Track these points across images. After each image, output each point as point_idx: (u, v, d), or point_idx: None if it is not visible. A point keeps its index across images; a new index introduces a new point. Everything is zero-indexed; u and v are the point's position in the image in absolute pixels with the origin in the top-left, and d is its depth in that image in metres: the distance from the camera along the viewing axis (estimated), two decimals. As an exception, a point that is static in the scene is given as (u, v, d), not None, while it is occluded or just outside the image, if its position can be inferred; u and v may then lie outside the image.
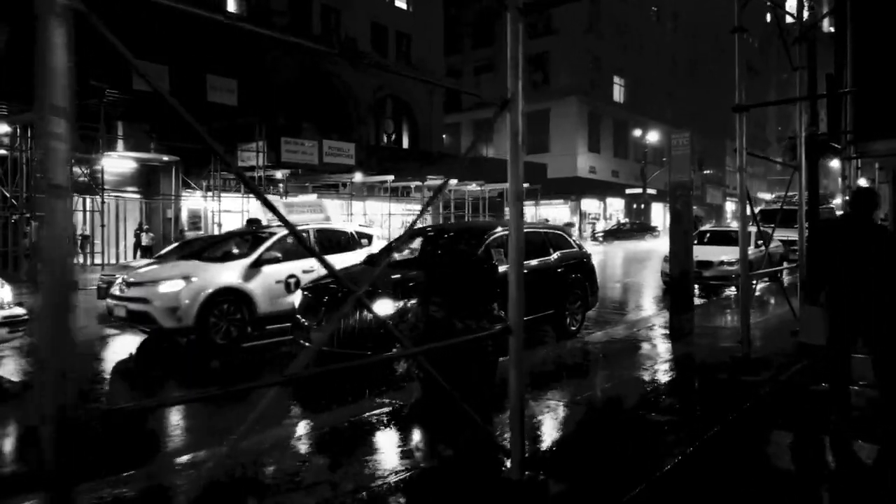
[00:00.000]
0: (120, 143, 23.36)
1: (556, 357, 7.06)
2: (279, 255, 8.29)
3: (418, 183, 30.80)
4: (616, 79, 52.65)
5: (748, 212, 6.83)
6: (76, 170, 18.52)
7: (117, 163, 23.48)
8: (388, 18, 35.80)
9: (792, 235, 17.38)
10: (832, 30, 13.65)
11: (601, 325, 9.76)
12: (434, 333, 4.79)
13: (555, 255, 8.76)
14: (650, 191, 46.99)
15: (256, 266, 8.19)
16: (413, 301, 6.27)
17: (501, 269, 7.73)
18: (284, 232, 8.69)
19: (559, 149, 48.90)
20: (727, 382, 5.83)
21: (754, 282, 14.65)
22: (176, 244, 11.60)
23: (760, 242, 14.99)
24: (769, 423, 4.75)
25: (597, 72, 50.08)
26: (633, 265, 23.21)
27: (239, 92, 22.00)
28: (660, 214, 55.19)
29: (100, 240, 21.35)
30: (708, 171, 67.99)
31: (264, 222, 10.14)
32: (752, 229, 15.74)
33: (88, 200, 20.93)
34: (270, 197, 21.14)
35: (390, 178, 27.69)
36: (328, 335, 6.47)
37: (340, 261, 8.77)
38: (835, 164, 23.48)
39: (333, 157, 25.07)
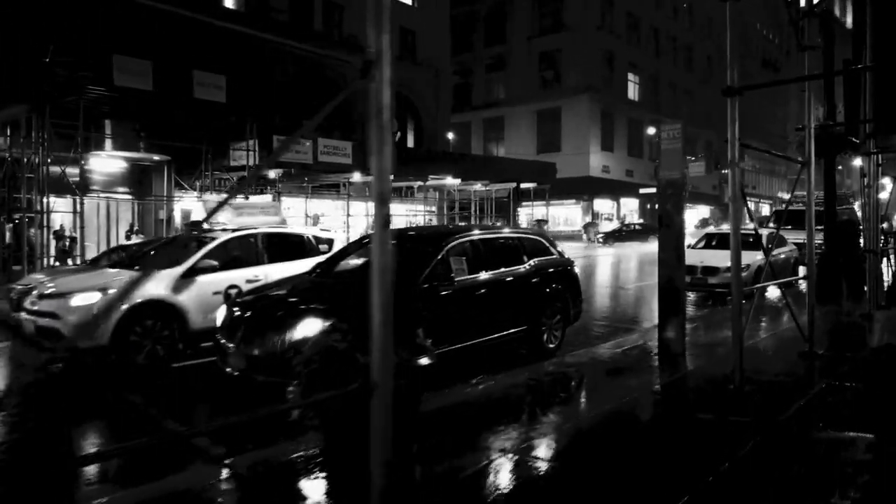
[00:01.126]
0: (108, 143, 22.73)
1: (512, 388, 6.05)
2: (216, 263, 7.38)
3: (420, 183, 29.87)
4: (630, 76, 51.29)
5: (745, 212, 5.77)
6: (55, 169, 17.82)
7: (107, 162, 22.81)
8: (393, 14, 34.59)
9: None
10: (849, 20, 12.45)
11: (586, 341, 8.73)
12: (328, 371, 3.83)
13: (529, 264, 7.75)
14: (664, 190, 45.48)
15: (190, 276, 7.29)
16: (325, 324, 5.31)
17: (459, 279, 6.77)
18: (226, 237, 7.78)
19: (571, 148, 47.70)
20: (709, 426, 4.79)
21: (767, 289, 13.51)
22: (113, 248, 10.72)
23: (771, 246, 13.84)
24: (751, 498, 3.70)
25: (610, 69, 48.79)
26: (633, 270, 22.07)
27: (228, 88, 21.18)
28: (675, 215, 53.74)
29: (92, 242, 20.65)
30: (727, 171, 66.29)
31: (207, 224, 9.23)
32: (764, 231, 14.56)
33: (73, 201, 20.27)
34: (259, 198, 20.36)
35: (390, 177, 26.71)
36: (244, 359, 5.55)
37: (292, 269, 7.85)
38: (857, 161, 22.14)
39: (329, 156, 24.22)
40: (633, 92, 51.60)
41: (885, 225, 20.64)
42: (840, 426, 4.50)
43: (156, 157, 23.05)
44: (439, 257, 6.59)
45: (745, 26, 59.24)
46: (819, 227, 13.95)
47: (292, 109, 29.85)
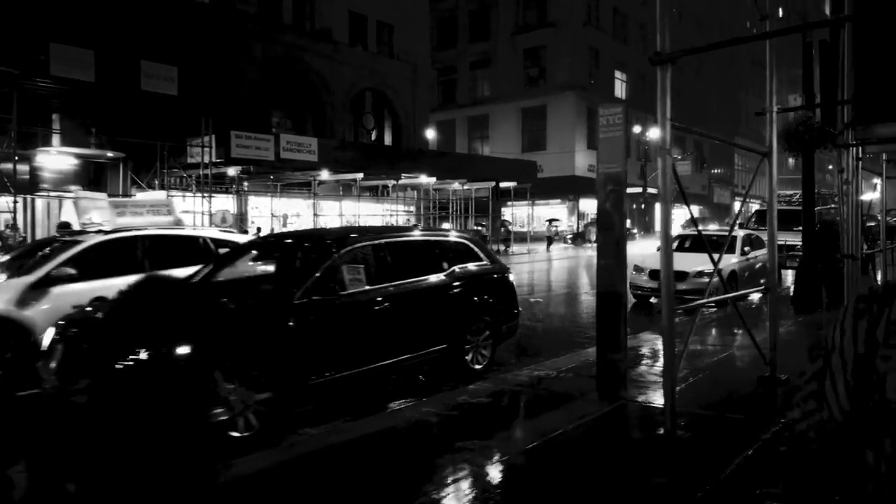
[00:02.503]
0: (56, 138, 21.52)
1: (397, 427, 4.94)
2: (73, 271, 6.25)
3: (393, 182, 28.73)
4: (617, 73, 50.31)
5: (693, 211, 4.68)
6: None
7: (56, 159, 21.61)
8: (368, 7, 33.75)
9: (792, 240, 15.13)
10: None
11: (521, 360, 7.64)
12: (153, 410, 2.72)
13: (449, 272, 6.64)
14: (651, 190, 44.58)
15: (42, 286, 6.16)
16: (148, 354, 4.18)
17: (353, 292, 5.65)
18: (92, 241, 6.64)
19: (557, 146, 46.70)
20: (630, 489, 3.68)
21: (748, 296, 12.41)
22: None
23: (748, 249, 12.78)
24: None
25: (596, 66, 47.78)
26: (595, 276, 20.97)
27: (181, 81, 20.02)
28: (663, 215, 52.78)
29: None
30: (717, 171, 65.40)
31: (76, 226, 8.09)
32: (740, 233, 13.49)
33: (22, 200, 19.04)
34: (149, 195, 19.14)
35: (359, 175, 25.63)
36: (58, 391, 4.43)
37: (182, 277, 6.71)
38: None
39: (293, 152, 23.03)
40: (620, 90, 50.61)
41: (872, 224, 19.66)
42: (791, 495, 3.41)
43: (110, 154, 21.87)
44: (327, 265, 5.47)
45: (725, 20, 58.37)
46: (799, 229, 12.96)
47: (264, 105, 28.71)
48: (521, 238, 45.61)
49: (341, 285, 5.52)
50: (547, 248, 35.74)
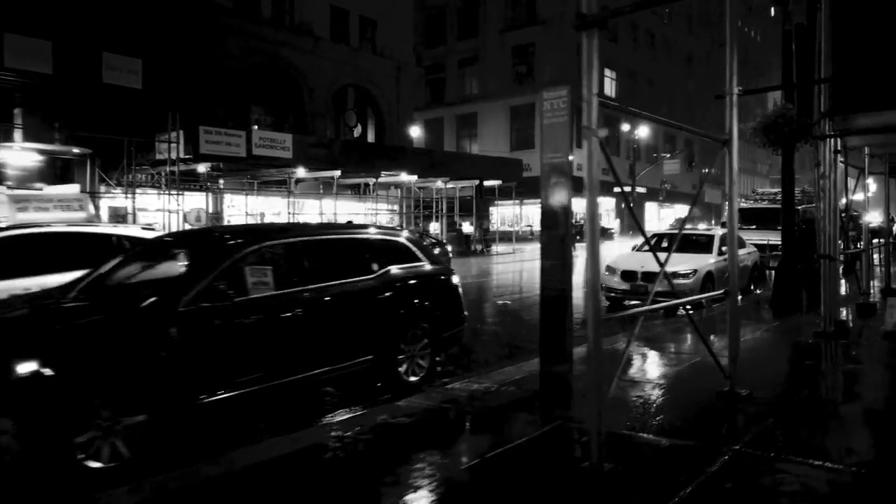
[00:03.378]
0: (19, 134, 20.77)
1: (300, 451, 4.29)
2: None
3: (373, 180, 28.05)
4: (607, 72, 49.69)
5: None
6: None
7: (19, 155, 20.83)
8: (350, 1, 33.05)
9: (775, 239, 14.48)
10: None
11: (464, 370, 6.99)
12: None
13: (380, 274, 5.97)
14: (640, 189, 44.09)
15: None
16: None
17: (255, 297, 4.97)
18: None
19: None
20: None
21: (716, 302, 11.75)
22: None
23: (725, 248, 12.13)
24: None
25: (585, 63, 47.13)
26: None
27: (147, 74, 19.28)
28: (653, 214, 52.27)
29: None
30: (708, 170, 64.94)
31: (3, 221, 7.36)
32: (718, 232, 12.84)
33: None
34: (59, 189, 18.30)
35: (336, 173, 24.93)
36: None
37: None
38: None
39: (266, 149, 22.28)
40: (609, 88, 50.04)
41: (869, 221, 19.01)
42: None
43: (76, 150, 21.10)
44: (223, 267, 4.79)
45: (715, 19, 57.65)
46: (778, 227, 12.32)
47: (239, 100, 27.97)
48: (508, 238, 45.06)
49: (242, 290, 4.84)
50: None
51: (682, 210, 54.78)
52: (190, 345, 4.46)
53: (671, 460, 3.98)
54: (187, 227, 24.38)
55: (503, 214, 45.31)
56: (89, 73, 17.97)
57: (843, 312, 9.76)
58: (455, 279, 6.81)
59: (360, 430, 4.62)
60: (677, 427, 4.60)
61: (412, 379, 6.09)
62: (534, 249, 34.19)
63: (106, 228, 7.31)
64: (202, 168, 21.87)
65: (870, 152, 10.04)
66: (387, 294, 5.95)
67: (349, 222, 8.41)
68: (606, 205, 50.16)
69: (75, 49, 17.50)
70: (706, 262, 11.41)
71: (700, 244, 12.19)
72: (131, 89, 18.69)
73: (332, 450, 4.29)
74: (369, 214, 32.30)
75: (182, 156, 20.57)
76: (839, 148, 7.85)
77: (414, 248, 6.45)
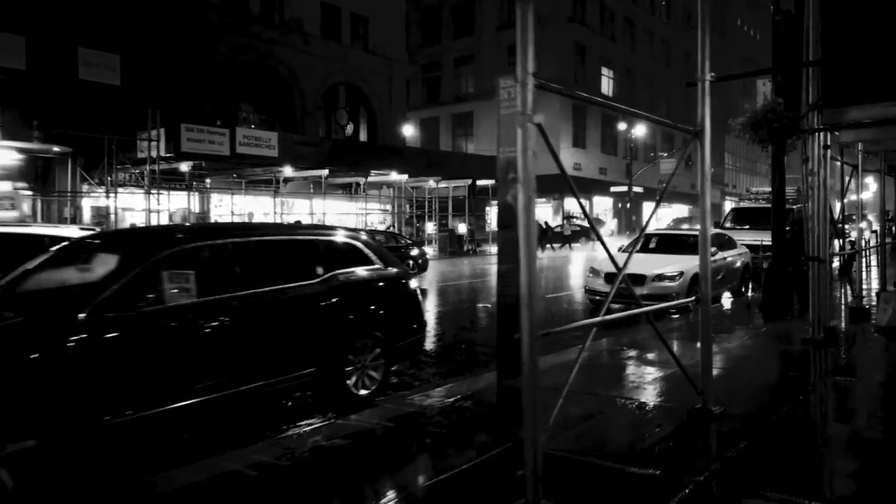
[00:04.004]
0: (-3, 131, 20.30)
1: (213, 479, 3.81)
2: None
3: (362, 179, 27.58)
4: (604, 70, 49.20)
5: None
6: None
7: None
8: (344, -1, 32.56)
9: (767, 239, 13.95)
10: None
11: (420, 382, 6.51)
12: None
13: (326, 279, 5.49)
14: (637, 189, 43.58)
15: None
16: None
17: (172, 305, 4.49)
18: None
19: (541, 144, 45.47)
20: None
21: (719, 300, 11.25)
22: None
23: (714, 249, 11.65)
24: None
25: (582, 62, 46.66)
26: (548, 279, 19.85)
27: (126, 70, 18.80)
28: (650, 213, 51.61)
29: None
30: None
31: None
32: (713, 231, 12.34)
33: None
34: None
35: (324, 172, 24.45)
36: None
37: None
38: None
39: (251, 147, 21.83)
40: (606, 87, 49.52)
41: (862, 221, 18.50)
42: None
43: (56, 149, 20.64)
44: (135, 272, 4.31)
45: (714, 16, 57.11)
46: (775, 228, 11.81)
47: (228, 98, 27.49)
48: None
49: (158, 297, 4.37)
50: (541, 248, 34.13)
51: (679, 210, 54.32)
52: (91, 359, 3.98)
53: (625, 494, 3.49)
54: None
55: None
56: (65, 69, 17.51)
57: (836, 317, 9.28)
58: (413, 284, 6.33)
59: (285, 455, 4.14)
60: (638, 451, 4.11)
61: (362, 392, 5.61)
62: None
63: (38, 229, 6.84)
64: (185, 167, 21.41)
65: (863, 149, 9.54)
66: (332, 300, 5.47)
67: (297, 222, 7.90)
68: (604, 204, 49.70)
69: (50, 44, 17.04)
70: (693, 263, 10.88)
71: (689, 245, 11.69)
72: (110, 86, 18.21)
73: (247, 480, 3.80)
74: (361, 214, 31.89)
75: (164, 154, 20.13)
76: (828, 143, 7.35)
77: (367, 251, 5.97)
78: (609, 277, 10.89)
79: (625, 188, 43.15)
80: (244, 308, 4.81)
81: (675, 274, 10.48)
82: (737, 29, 65.83)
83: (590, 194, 47.15)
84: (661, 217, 51.43)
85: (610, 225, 46.47)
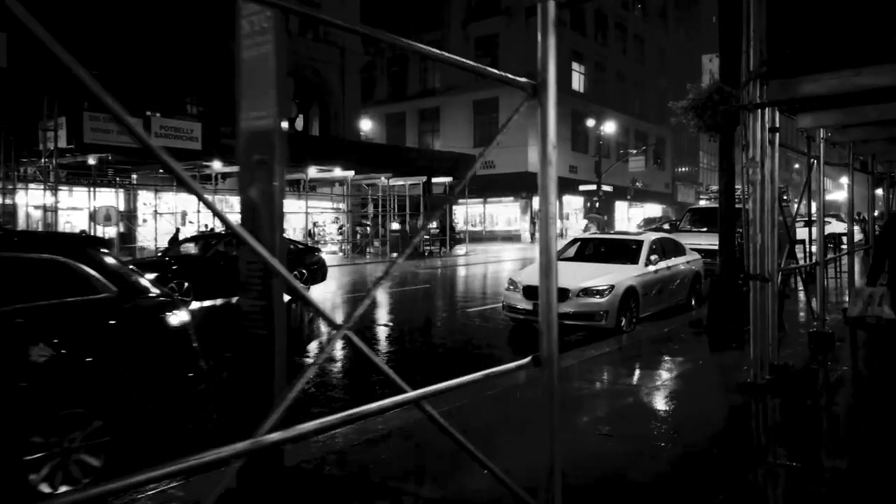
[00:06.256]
0: None
1: None
2: None
3: (303, 175, 25.47)
4: (575, 65, 47.56)
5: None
6: None
7: None
8: (290, -17, 30.39)
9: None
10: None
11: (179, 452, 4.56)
12: None
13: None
14: (606, 187, 42.01)
15: None
16: None
17: None
18: None
19: (510, 141, 43.69)
20: None
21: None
22: None
23: (655, 257, 9.87)
24: None
25: (551, 56, 44.93)
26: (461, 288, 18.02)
27: (18, 51, 16.62)
28: (622, 214, 50.18)
29: None
30: (683, 169, 62.90)
31: None
32: (649, 237, 10.49)
33: None
34: None
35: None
36: None
37: None
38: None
39: (169, 139, 19.77)
40: (577, 82, 47.91)
41: (831, 222, 16.81)
42: None
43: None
44: None
45: (689, 13, 55.78)
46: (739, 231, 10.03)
47: (167, 89, 25.26)
48: (476, 238, 42.72)
49: None
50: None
51: (652, 209, 52.94)
52: None
53: None
54: (97, 227, 21.82)
55: (470, 214, 43.14)
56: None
57: (796, 342, 7.51)
58: (178, 317, 4.39)
59: None
60: None
61: (62, 489, 3.67)
62: (491, 251, 31.82)
63: None
64: (91, 160, 19.26)
65: (829, 139, 7.78)
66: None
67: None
68: (574, 203, 48.09)
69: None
70: (628, 274, 9.11)
71: (627, 252, 9.90)
72: (-8, 68, 16.07)
73: None
74: (314, 213, 29.85)
75: (64, 146, 18.03)
76: (776, 125, 5.55)
77: (90, 271, 4.02)
78: (528, 291, 9.05)
79: (592, 186, 41.55)
80: None
81: (604, 288, 8.65)
82: (713, 27, 64.63)
83: (559, 193, 45.40)
84: (633, 217, 50.03)
85: (579, 225, 44.85)
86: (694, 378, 6.34)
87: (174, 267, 11.17)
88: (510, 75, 2.74)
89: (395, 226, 30.01)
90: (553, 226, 2.95)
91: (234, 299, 11.09)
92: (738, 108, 5.43)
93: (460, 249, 30.60)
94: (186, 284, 10.67)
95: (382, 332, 9.93)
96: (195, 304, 10.85)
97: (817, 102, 6.29)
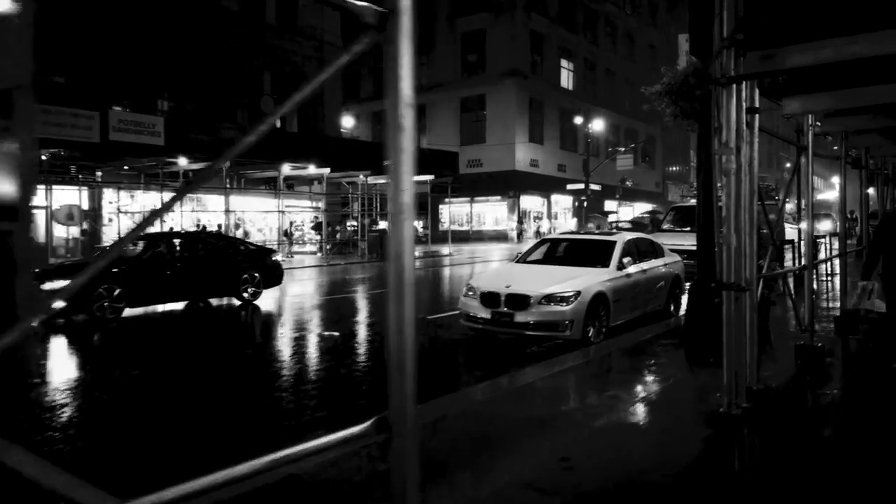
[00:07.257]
0: None
1: None
2: None
3: (275, 173, 24.51)
4: (564, 62, 46.69)
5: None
6: None
7: None
8: (269, -25, 29.49)
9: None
10: None
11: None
12: None
13: None
14: (594, 186, 41.15)
15: None
16: None
17: None
18: None
19: (496, 139, 42.95)
20: None
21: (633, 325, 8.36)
22: None
23: (628, 260, 8.95)
24: None
25: (539, 53, 44.08)
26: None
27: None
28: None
29: None
30: (674, 168, 62.04)
31: None
32: (622, 237, 9.59)
33: None
34: None
35: (225, 164, 21.38)
36: None
37: None
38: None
39: (130, 134, 18.77)
40: (566, 80, 47.06)
41: (822, 221, 16.03)
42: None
43: None
44: None
45: (679, 10, 54.99)
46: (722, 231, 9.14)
47: (139, 82, 24.26)
48: (463, 238, 41.72)
49: None
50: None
51: (642, 209, 52.08)
52: None
53: None
54: (58, 227, 20.80)
55: (454, 213, 42.18)
56: None
57: (782, 357, 6.63)
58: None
59: None
60: None
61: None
62: (471, 250, 30.81)
63: None
64: (44, 155, 18.23)
65: (815, 125, 6.88)
66: None
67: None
68: (563, 202, 47.23)
69: None
70: (597, 279, 8.19)
71: (598, 254, 8.99)
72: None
73: None
74: (290, 212, 28.92)
75: None
76: (755, 104, 4.65)
77: None
78: (486, 298, 8.13)
79: (580, 185, 40.69)
80: None
81: (569, 294, 7.74)
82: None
83: (548, 192, 44.62)
84: (622, 216, 49.20)
85: (568, 225, 44.01)
86: (660, 404, 5.42)
87: (111, 270, 10.18)
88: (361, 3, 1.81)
89: (383, 224, 28.99)
90: (408, 224, 2.03)
91: (182, 304, 10.16)
92: (710, 84, 4.53)
93: (443, 249, 29.67)
94: (118, 290, 9.68)
95: (313, 348, 8.90)
96: (128, 311, 9.88)
97: (805, 82, 5.41)
